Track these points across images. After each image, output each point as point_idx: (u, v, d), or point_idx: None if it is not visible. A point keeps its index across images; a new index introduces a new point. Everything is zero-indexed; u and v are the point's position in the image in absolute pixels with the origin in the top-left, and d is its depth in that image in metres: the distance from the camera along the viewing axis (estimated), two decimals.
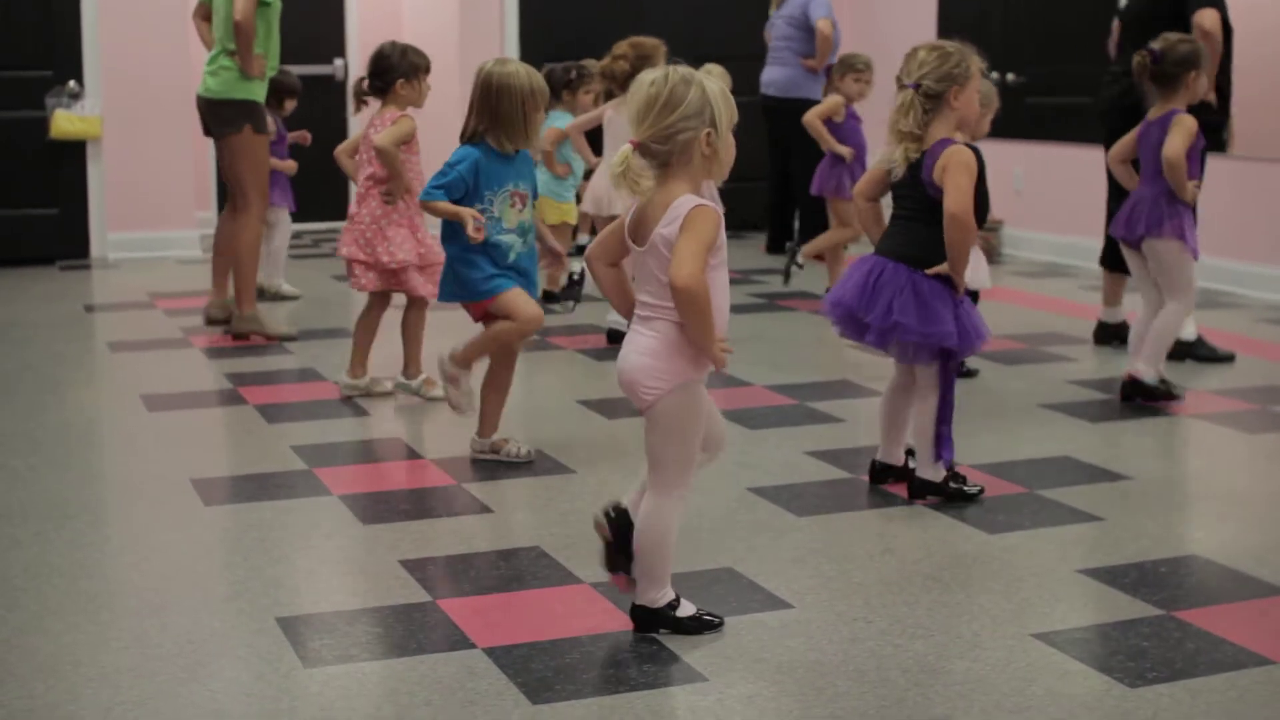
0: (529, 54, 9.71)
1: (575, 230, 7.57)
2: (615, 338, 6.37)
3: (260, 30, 6.26)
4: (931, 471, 4.11)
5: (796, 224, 9.15)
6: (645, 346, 3.04)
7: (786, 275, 7.46)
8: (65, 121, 8.78)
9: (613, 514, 3.15)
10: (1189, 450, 4.91)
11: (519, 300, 4.43)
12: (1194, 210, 5.35)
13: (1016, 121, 8.23)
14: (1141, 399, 5.27)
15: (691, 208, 2.95)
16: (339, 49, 10.85)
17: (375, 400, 5.37)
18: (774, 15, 8.99)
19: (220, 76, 6.32)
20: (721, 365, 3.05)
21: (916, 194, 4.03)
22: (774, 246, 9.43)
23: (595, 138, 6.97)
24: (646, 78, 3.01)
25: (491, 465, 4.52)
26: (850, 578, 3.55)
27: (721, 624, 3.21)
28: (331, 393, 5.48)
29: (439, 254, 5.24)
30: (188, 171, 9.32)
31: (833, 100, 7.44)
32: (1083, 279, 8.18)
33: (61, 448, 4.75)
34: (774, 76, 8.85)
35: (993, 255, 8.98)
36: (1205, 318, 6.50)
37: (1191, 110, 5.32)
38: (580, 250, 7.47)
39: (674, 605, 3.17)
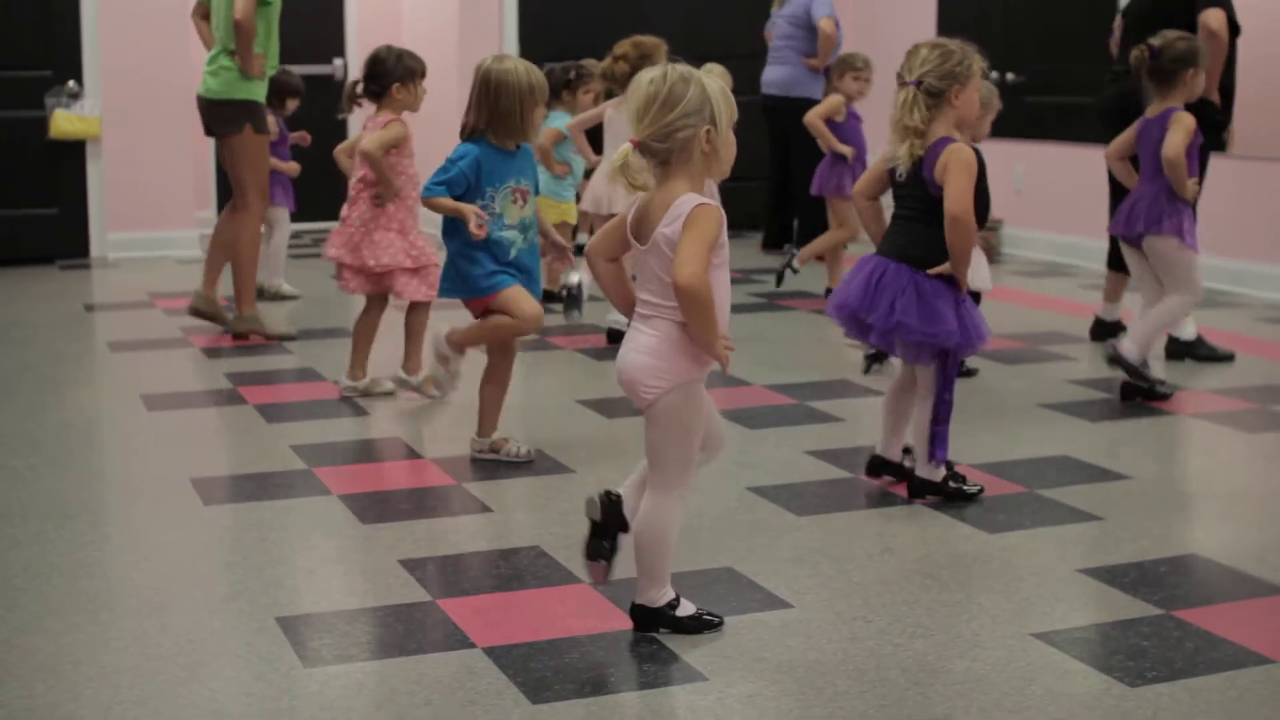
0: (528, 54, 9.69)
1: (575, 230, 7.57)
2: (615, 337, 6.37)
3: (260, 30, 6.26)
4: (931, 471, 4.11)
5: (795, 224, 9.15)
6: (646, 345, 3.04)
7: (779, 278, 7.46)
8: (65, 121, 8.78)
9: (608, 497, 3.15)
10: (1189, 450, 4.91)
11: (519, 299, 4.43)
12: (1194, 207, 5.36)
13: (1016, 121, 8.21)
14: (1125, 374, 5.26)
15: (694, 207, 2.95)
16: (338, 49, 10.85)
17: (375, 400, 5.37)
18: (775, 14, 8.99)
19: (220, 76, 6.32)
20: (726, 364, 3.04)
21: (917, 193, 4.03)
22: (770, 243, 9.44)
23: (596, 137, 6.97)
24: (645, 76, 3.01)
25: (491, 465, 4.52)
26: (850, 577, 3.55)
27: (721, 623, 3.21)
28: (331, 392, 5.48)
29: (432, 255, 5.25)
30: (187, 171, 9.32)
31: (834, 100, 7.44)
32: (1083, 278, 8.19)
33: (61, 448, 4.75)
34: (775, 76, 8.85)
35: (993, 255, 8.98)
36: (1205, 317, 6.49)
37: (1195, 109, 5.32)
38: (580, 250, 7.46)
39: (674, 605, 3.17)
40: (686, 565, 3.50)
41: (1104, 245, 7.19)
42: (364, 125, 5.35)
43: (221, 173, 9.42)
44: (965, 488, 4.14)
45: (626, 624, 3.19)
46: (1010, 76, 9.05)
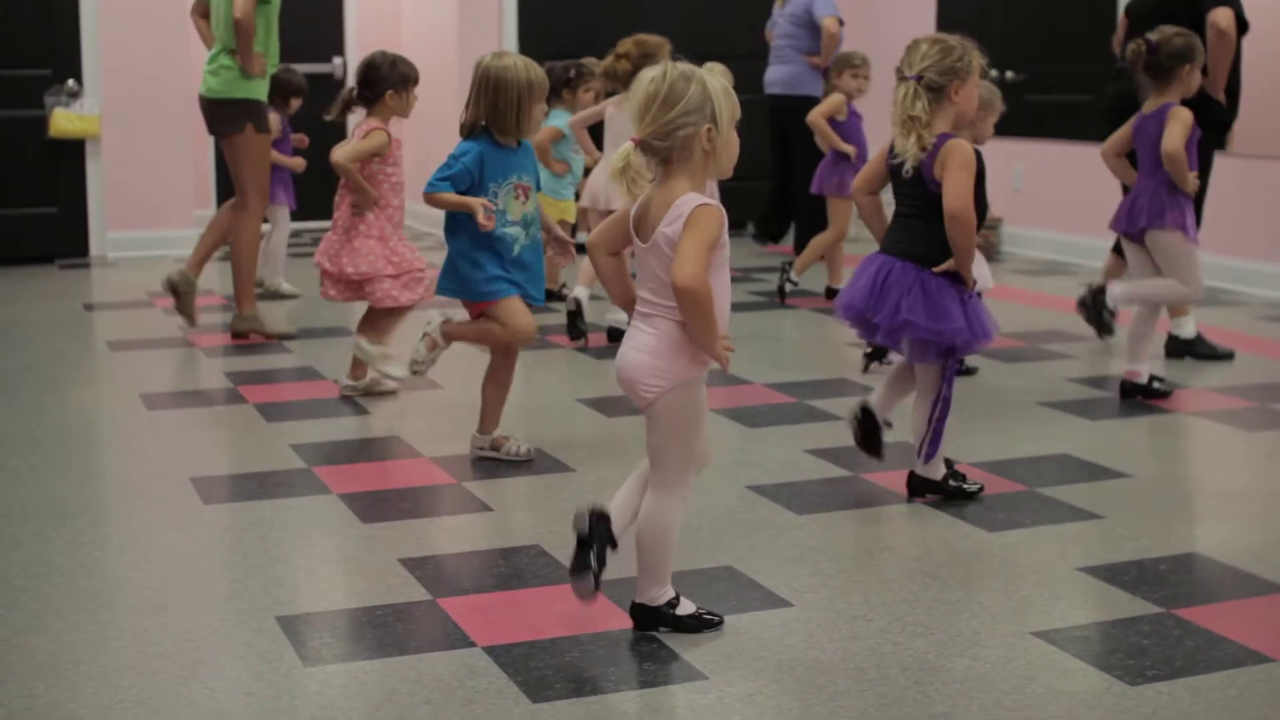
0: (528, 52, 9.56)
1: (575, 228, 7.57)
2: (615, 336, 6.38)
3: (260, 28, 6.26)
4: (930, 469, 4.11)
5: (794, 225, 9.16)
6: (645, 344, 3.03)
7: (781, 293, 7.49)
8: (64, 120, 8.78)
9: (595, 514, 3.08)
10: (1188, 448, 4.91)
11: (515, 312, 4.43)
12: (1200, 206, 5.36)
13: (1016, 120, 8.21)
14: (1142, 397, 5.29)
15: (694, 207, 2.94)
16: (338, 48, 10.85)
17: (375, 399, 5.37)
18: (776, 13, 8.98)
19: (221, 76, 6.32)
20: (725, 364, 3.04)
21: (917, 191, 4.02)
22: (764, 234, 9.48)
23: (596, 135, 6.97)
24: (647, 75, 3.01)
25: (491, 464, 4.52)
26: (850, 576, 3.55)
27: (721, 622, 3.21)
28: (331, 391, 5.48)
29: (415, 261, 5.25)
30: (187, 170, 9.32)
31: (835, 99, 7.45)
32: (1083, 277, 8.18)
33: (61, 447, 4.75)
34: (778, 75, 8.84)
35: (992, 253, 8.99)
36: (1205, 315, 6.50)
37: (1200, 107, 5.32)
38: (581, 248, 7.47)
39: (673, 603, 3.17)
40: (686, 564, 3.50)
41: (1104, 244, 7.20)
42: (353, 130, 5.36)
43: (221, 172, 9.45)
44: (965, 486, 4.14)
45: (626, 623, 3.19)
46: (1010, 75, 9.05)
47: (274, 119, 7.12)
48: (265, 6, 6.25)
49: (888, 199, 4.22)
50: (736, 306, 6.94)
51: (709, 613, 3.22)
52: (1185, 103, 5.27)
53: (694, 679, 2.95)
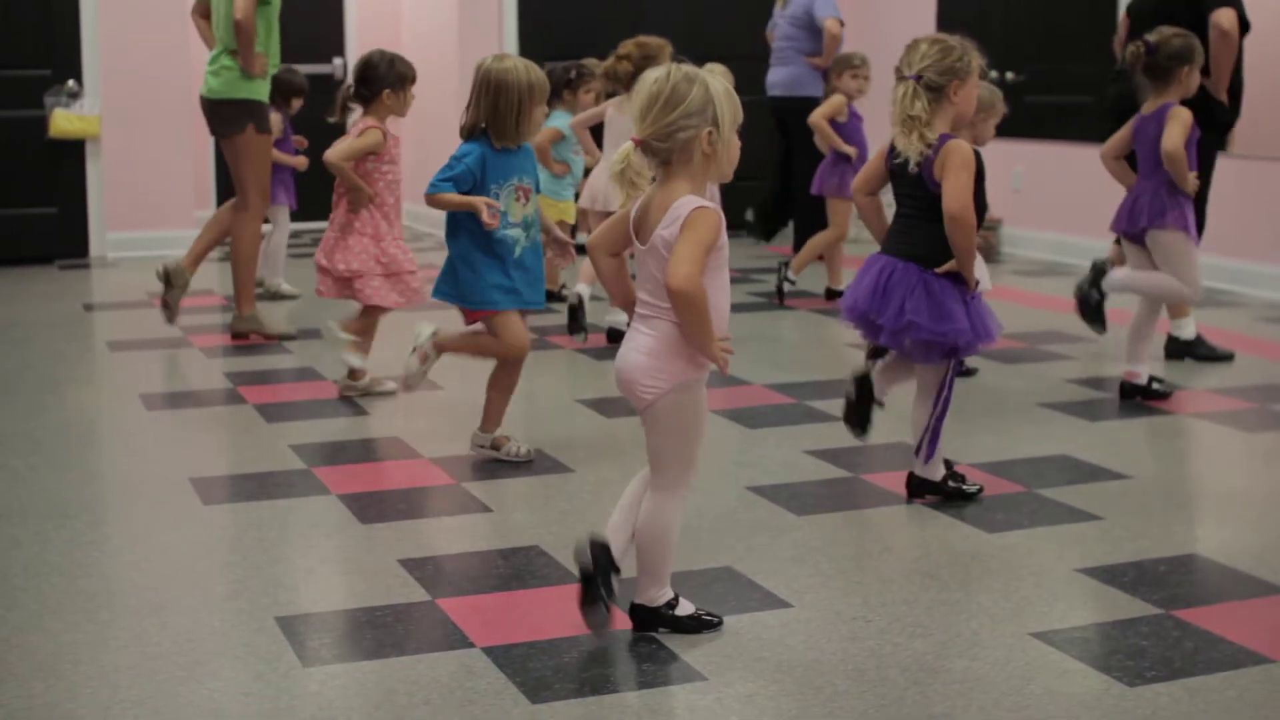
0: (528, 53, 9.68)
1: (575, 229, 7.57)
2: (615, 337, 6.38)
3: (261, 29, 6.26)
4: (930, 470, 4.11)
5: (793, 225, 9.16)
6: (644, 345, 3.03)
7: (780, 294, 7.50)
8: (64, 121, 8.78)
9: (596, 544, 3.06)
10: (1188, 449, 4.91)
11: (510, 326, 4.44)
12: (1203, 208, 5.36)
13: (1016, 120, 8.21)
14: (1141, 398, 5.29)
15: (692, 209, 2.94)
16: (338, 48, 10.85)
17: (374, 400, 5.37)
18: (777, 15, 8.97)
19: (222, 76, 6.32)
20: (723, 366, 3.04)
21: (917, 192, 4.02)
22: (757, 230, 9.62)
23: (596, 136, 6.97)
24: (650, 75, 3.00)
25: (491, 464, 4.52)
26: (849, 577, 3.55)
27: (720, 623, 3.21)
28: (330, 392, 5.48)
29: (405, 263, 5.25)
30: (187, 171, 9.33)
31: (836, 100, 7.45)
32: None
33: (61, 447, 4.75)
34: (780, 77, 8.84)
35: (992, 254, 8.99)
36: (1205, 316, 6.49)
37: (1202, 108, 5.32)
38: (581, 248, 7.48)
39: (673, 604, 3.17)
40: (686, 565, 3.50)
41: (1104, 245, 7.20)
42: (349, 129, 5.37)
43: (221, 172, 9.45)
44: (964, 487, 4.14)
45: (626, 624, 3.19)
46: (1010, 76, 9.05)
47: (275, 119, 7.13)
48: (265, 7, 6.25)
49: (888, 200, 4.21)
50: (735, 307, 6.94)
51: (708, 613, 3.22)
52: (1189, 103, 5.27)
53: (693, 680, 2.95)
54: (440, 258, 4.56)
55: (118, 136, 9.01)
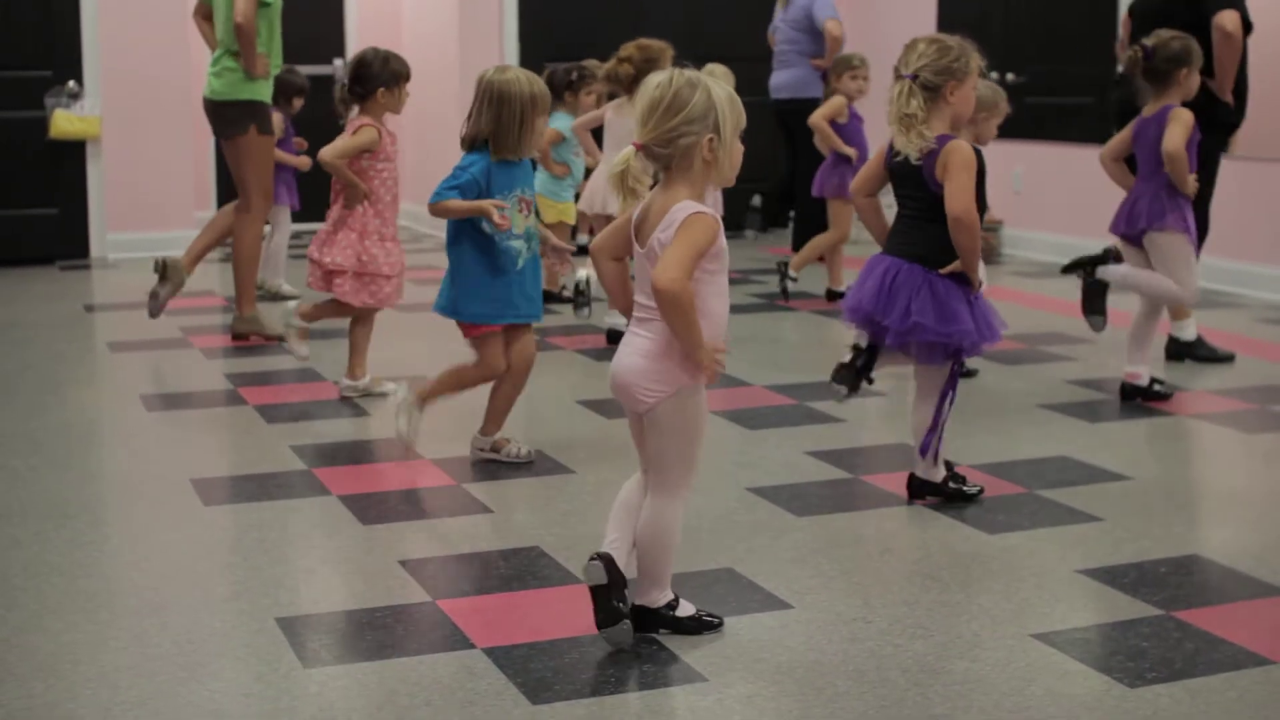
0: (528, 54, 9.71)
1: (575, 230, 7.57)
2: (615, 338, 6.38)
3: (262, 30, 6.26)
4: (930, 471, 4.11)
5: (791, 225, 9.17)
6: (641, 348, 3.03)
7: (784, 292, 7.52)
8: (65, 121, 8.78)
9: (603, 559, 3.04)
10: (1188, 450, 4.91)
11: (493, 349, 4.45)
12: (1206, 211, 5.35)
13: (1016, 121, 8.22)
14: (1141, 399, 5.29)
15: (689, 214, 2.94)
16: (338, 49, 10.85)
17: (375, 400, 5.37)
18: (778, 18, 8.98)
19: (224, 78, 6.32)
20: (710, 376, 3.01)
21: (920, 193, 4.02)
22: (760, 214, 9.80)
23: (597, 138, 6.97)
24: (653, 80, 3.00)
25: (491, 465, 4.52)
26: (850, 578, 3.55)
27: (721, 624, 3.21)
28: (331, 393, 5.48)
29: (383, 265, 5.25)
30: (187, 171, 9.33)
31: (836, 101, 7.45)
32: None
33: (61, 448, 4.75)
34: (783, 79, 8.85)
35: (992, 255, 8.99)
36: (1205, 317, 6.49)
37: (1207, 109, 5.31)
38: (581, 250, 7.48)
39: (673, 605, 3.17)
40: (686, 566, 3.50)
41: (1103, 246, 7.20)
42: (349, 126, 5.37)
43: (222, 173, 9.45)
44: (965, 488, 4.14)
45: None
46: (1010, 77, 9.05)
47: (277, 119, 7.12)
48: (266, 9, 6.25)
49: (888, 201, 4.21)
50: (736, 308, 6.94)
51: (709, 614, 3.22)
52: (1193, 105, 5.27)
53: (693, 681, 2.95)
54: (439, 259, 4.55)
55: (118, 137, 9.00)
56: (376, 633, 3.20)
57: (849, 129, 7.45)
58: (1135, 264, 5.40)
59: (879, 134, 4.36)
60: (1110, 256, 5.40)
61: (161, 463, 4.60)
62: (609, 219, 6.20)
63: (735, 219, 9.79)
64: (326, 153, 5.19)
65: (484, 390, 4.57)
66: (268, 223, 6.83)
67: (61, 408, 5.30)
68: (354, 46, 10.77)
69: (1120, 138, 5.44)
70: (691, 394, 3.05)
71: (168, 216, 9.22)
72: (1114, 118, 6.21)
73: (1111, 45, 8.05)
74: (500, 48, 9.84)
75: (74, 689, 2.90)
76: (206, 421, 5.20)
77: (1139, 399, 5.31)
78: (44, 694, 2.88)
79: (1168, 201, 5.21)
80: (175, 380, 5.82)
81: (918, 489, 4.13)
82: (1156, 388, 5.31)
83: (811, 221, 8.09)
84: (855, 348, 4.19)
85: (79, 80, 8.88)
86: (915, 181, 4.01)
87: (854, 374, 4.20)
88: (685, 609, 3.19)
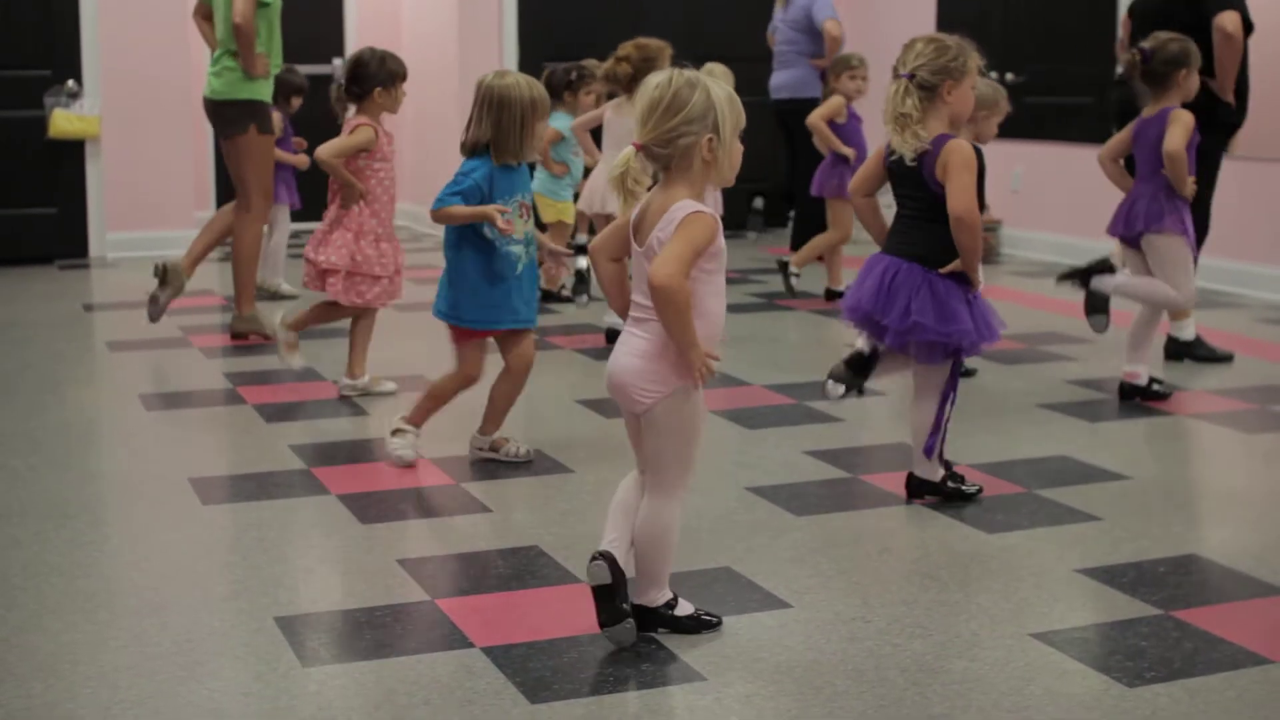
0: (528, 54, 9.72)
1: (574, 230, 7.58)
2: (614, 337, 6.35)
3: (262, 29, 6.26)
4: (930, 470, 4.11)
5: (791, 225, 9.18)
6: (638, 348, 3.03)
7: (790, 290, 7.54)
8: (64, 121, 8.78)
9: (606, 558, 3.04)
10: (1188, 450, 4.91)
11: (472, 356, 4.45)
12: (1206, 209, 5.35)
13: (1016, 121, 8.23)
14: (1140, 399, 5.29)
15: (688, 213, 2.94)
16: (338, 49, 10.85)
17: (374, 400, 5.37)
18: (777, 19, 8.98)
19: (224, 77, 6.32)
20: (701, 377, 3.00)
21: (920, 192, 4.02)
22: (758, 217, 9.87)
23: (596, 137, 6.97)
24: (653, 80, 3.00)
25: (490, 465, 4.52)
26: (848, 577, 3.55)
27: (720, 623, 3.21)
28: (330, 392, 5.48)
29: (375, 266, 5.25)
30: (187, 171, 9.33)
31: (835, 101, 7.45)
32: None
33: (61, 447, 4.75)
34: (784, 80, 8.85)
35: (991, 255, 8.99)
36: (1204, 317, 6.50)
37: (1208, 110, 5.31)
38: (580, 249, 7.49)
39: (672, 605, 3.17)
40: (685, 565, 3.50)
41: (1103, 246, 7.19)
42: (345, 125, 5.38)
43: (221, 172, 9.44)
44: (964, 488, 4.14)
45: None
46: (1010, 77, 9.05)
47: (276, 118, 7.12)
48: (265, 9, 6.25)
49: (886, 201, 4.21)
50: (736, 308, 6.94)
51: (707, 614, 3.22)
52: (1196, 105, 5.27)
53: (692, 680, 2.95)
54: (440, 259, 4.55)
55: (118, 136, 9.00)
56: (375, 632, 3.20)
57: (847, 129, 7.45)
58: (1134, 266, 5.41)
59: (878, 134, 4.36)
60: (1103, 268, 5.40)
61: (161, 462, 4.60)
62: (609, 218, 6.21)
63: (735, 219, 9.80)
64: (323, 151, 5.20)
65: (483, 390, 4.57)
66: (267, 222, 6.83)
67: (61, 407, 5.30)
68: (353, 46, 10.77)
69: (1119, 138, 5.44)
70: (688, 394, 3.04)
71: (167, 216, 9.22)
72: (1114, 118, 6.22)
73: (1111, 45, 8.05)
74: (500, 48, 9.84)
75: (73, 689, 2.90)
76: (206, 421, 5.20)
77: (1138, 398, 5.31)
78: (43, 694, 2.88)
79: (1166, 204, 5.21)
80: (174, 380, 5.82)
81: (917, 488, 4.13)
82: (1155, 387, 5.31)
83: (811, 221, 8.09)
84: (858, 353, 4.18)
85: (78, 80, 8.88)
86: (914, 181, 4.01)
87: (852, 374, 4.19)
88: (684, 608, 3.19)
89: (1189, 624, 3.23)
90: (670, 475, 3.08)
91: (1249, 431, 4.96)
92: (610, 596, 3.04)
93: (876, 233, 4.25)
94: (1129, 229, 5.31)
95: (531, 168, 4.79)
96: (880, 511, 4.08)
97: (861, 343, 4.19)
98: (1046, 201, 9.10)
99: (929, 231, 3.99)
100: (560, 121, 7.08)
